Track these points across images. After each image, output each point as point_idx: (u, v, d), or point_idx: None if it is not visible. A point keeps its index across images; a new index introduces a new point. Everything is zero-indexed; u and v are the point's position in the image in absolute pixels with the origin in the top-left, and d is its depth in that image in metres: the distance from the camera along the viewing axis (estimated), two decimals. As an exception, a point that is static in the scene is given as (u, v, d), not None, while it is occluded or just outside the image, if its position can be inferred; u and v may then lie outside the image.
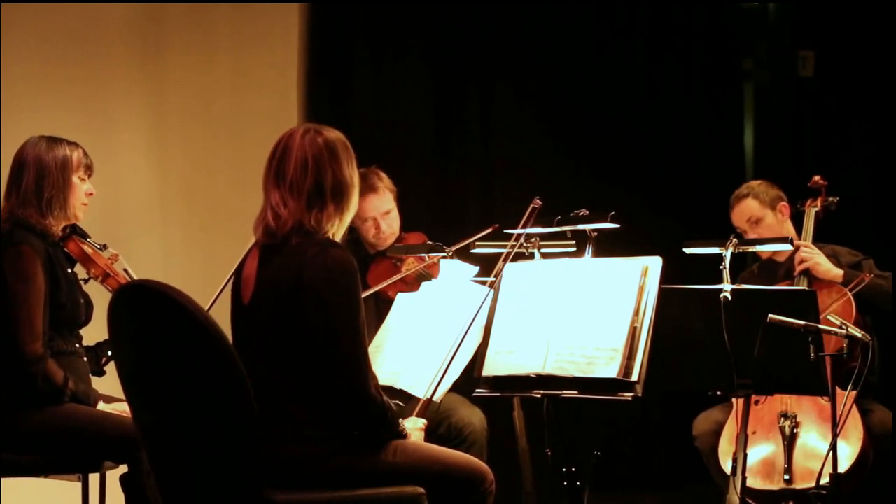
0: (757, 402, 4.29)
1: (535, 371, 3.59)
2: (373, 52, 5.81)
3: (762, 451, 4.25)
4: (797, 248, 4.51)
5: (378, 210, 4.72)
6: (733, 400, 4.19)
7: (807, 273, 4.48)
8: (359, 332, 3.05)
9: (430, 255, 4.47)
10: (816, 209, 4.61)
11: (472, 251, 4.40)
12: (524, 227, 3.85)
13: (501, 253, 4.22)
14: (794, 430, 4.20)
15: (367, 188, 4.67)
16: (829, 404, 3.74)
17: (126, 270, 4.06)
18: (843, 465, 4.11)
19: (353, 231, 4.78)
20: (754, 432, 4.26)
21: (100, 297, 3.73)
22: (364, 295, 4.24)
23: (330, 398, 3.05)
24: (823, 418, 4.14)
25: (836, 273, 4.47)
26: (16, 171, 3.87)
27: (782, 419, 4.24)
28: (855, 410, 4.21)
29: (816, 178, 4.65)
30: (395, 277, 4.43)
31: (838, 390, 3.79)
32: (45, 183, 3.82)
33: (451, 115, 5.91)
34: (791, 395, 4.23)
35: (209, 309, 4.11)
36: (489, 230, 4.25)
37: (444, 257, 4.33)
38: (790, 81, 6.24)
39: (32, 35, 5.11)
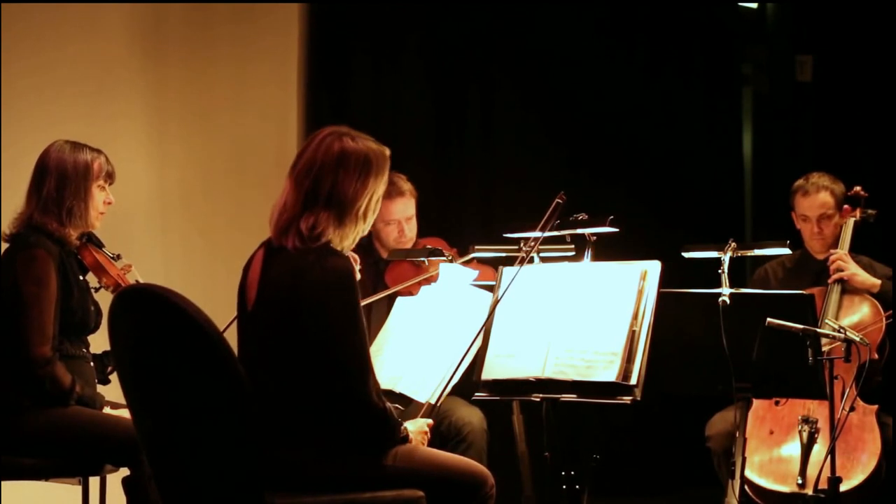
0: (778, 403, 4.30)
1: (535, 375, 3.60)
2: (373, 54, 5.81)
3: (779, 452, 4.25)
4: (833, 255, 4.51)
5: (403, 214, 4.76)
6: (754, 401, 4.18)
7: (841, 282, 4.46)
8: (359, 339, 3.05)
9: (430, 258, 4.47)
10: (855, 219, 4.61)
11: (473, 255, 4.41)
12: (548, 223, 3.75)
13: (500, 257, 4.24)
14: (814, 435, 4.20)
15: (396, 192, 4.71)
16: (852, 413, 3.74)
17: (137, 282, 4.06)
18: (858, 478, 4.13)
19: (368, 234, 4.80)
20: (772, 433, 4.27)
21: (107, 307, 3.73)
22: (386, 293, 4.27)
23: (331, 405, 3.06)
24: (844, 427, 4.12)
25: (874, 282, 4.46)
26: (38, 176, 3.87)
27: (802, 423, 4.22)
28: (874, 423, 4.23)
29: (857, 188, 4.64)
30: (421, 277, 4.43)
31: (859, 402, 3.80)
32: (67, 192, 3.83)
33: (451, 117, 5.91)
34: (814, 400, 4.21)
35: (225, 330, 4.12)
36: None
37: (443, 261, 4.34)
38: (789, 86, 6.25)
39: (32, 35, 5.11)
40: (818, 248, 4.69)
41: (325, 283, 3.02)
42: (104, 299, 3.91)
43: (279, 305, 3.07)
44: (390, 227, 4.76)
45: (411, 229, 4.79)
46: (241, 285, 3.21)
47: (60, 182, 3.83)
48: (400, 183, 4.75)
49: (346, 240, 3.15)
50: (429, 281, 4.40)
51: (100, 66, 5.28)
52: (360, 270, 3.26)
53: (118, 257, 4.02)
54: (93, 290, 3.96)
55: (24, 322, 3.69)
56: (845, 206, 4.67)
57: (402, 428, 3.18)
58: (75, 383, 3.74)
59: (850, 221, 4.61)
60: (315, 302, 3.02)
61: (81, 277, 3.91)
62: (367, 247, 4.80)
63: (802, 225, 4.73)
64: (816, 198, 4.69)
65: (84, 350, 3.90)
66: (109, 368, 3.99)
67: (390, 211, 4.73)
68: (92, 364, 3.93)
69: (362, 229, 3.17)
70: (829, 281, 4.47)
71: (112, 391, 3.81)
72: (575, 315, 3.62)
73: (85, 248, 3.93)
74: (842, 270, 4.46)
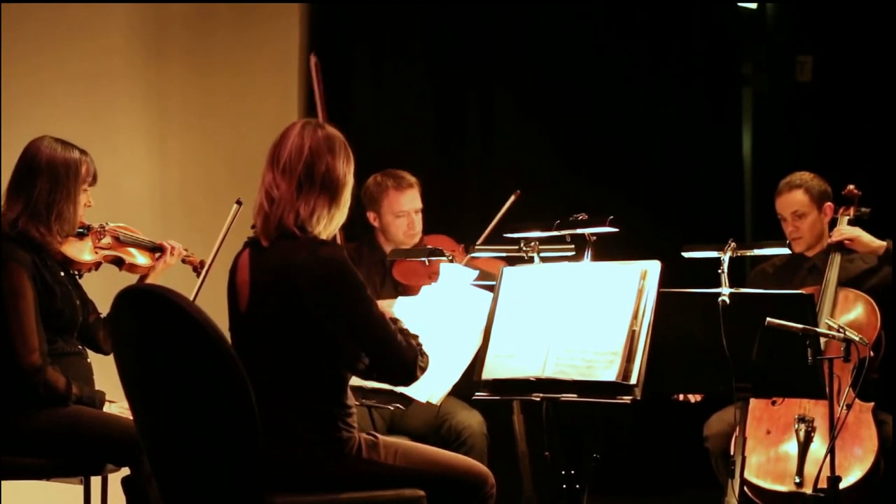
0: (774, 403, 4.31)
1: (535, 374, 3.60)
2: (373, 56, 5.82)
3: (776, 451, 4.26)
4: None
5: (412, 206, 4.77)
6: (751, 400, 4.19)
7: (840, 247, 4.46)
8: (377, 313, 3.08)
9: (430, 258, 4.47)
10: (849, 217, 4.60)
11: (472, 255, 4.41)
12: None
13: (500, 256, 4.24)
14: (811, 434, 4.20)
15: (405, 184, 4.74)
16: (848, 411, 3.74)
17: (116, 237, 3.99)
18: (856, 475, 4.14)
19: (373, 230, 4.80)
20: (769, 432, 4.27)
21: (100, 290, 3.71)
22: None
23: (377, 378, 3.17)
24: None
25: (879, 244, 4.45)
26: (25, 175, 3.77)
27: (798, 422, 4.23)
28: (871, 421, 4.23)
29: (851, 187, 4.63)
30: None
31: (857, 400, 3.79)
32: (59, 195, 3.74)
33: (451, 118, 5.91)
34: (809, 399, 4.21)
35: (195, 297, 4.10)
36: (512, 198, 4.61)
37: (444, 261, 4.33)
38: (789, 86, 6.25)
39: (32, 35, 5.11)
40: (800, 248, 4.69)
41: (327, 275, 3.03)
42: (100, 289, 3.85)
43: (279, 305, 3.07)
44: (400, 219, 4.76)
45: (419, 222, 4.80)
46: (229, 287, 3.20)
47: (53, 183, 3.74)
48: (407, 176, 4.77)
49: (332, 225, 3.16)
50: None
51: (100, 65, 5.28)
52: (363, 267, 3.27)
53: (87, 229, 3.92)
54: (78, 279, 3.91)
55: (9, 335, 3.65)
56: (827, 204, 4.66)
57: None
58: (71, 385, 3.72)
59: (844, 220, 4.61)
60: (323, 297, 3.02)
61: (63, 273, 3.85)
62: (371, 244, 4.80)
63: (783, 225, 4.73)
64: (788, 197, 4.69)
65: (79, 346, 3.88)
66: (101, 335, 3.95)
67: (400, 203, 4.73)
68: (89, 360, 3.91)
69: (339, 221, 3.19)
70: (830, 241, 4.48)
71: (111, 388, 3.81)
72: (575, 315, 3.62)
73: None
74: (846, 235, 4.46)
